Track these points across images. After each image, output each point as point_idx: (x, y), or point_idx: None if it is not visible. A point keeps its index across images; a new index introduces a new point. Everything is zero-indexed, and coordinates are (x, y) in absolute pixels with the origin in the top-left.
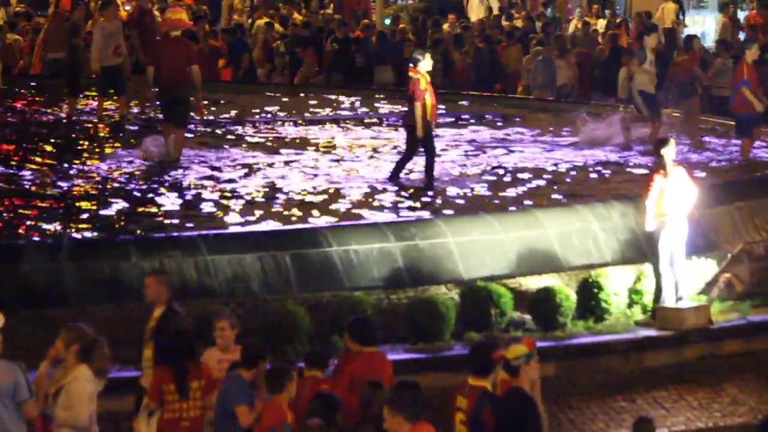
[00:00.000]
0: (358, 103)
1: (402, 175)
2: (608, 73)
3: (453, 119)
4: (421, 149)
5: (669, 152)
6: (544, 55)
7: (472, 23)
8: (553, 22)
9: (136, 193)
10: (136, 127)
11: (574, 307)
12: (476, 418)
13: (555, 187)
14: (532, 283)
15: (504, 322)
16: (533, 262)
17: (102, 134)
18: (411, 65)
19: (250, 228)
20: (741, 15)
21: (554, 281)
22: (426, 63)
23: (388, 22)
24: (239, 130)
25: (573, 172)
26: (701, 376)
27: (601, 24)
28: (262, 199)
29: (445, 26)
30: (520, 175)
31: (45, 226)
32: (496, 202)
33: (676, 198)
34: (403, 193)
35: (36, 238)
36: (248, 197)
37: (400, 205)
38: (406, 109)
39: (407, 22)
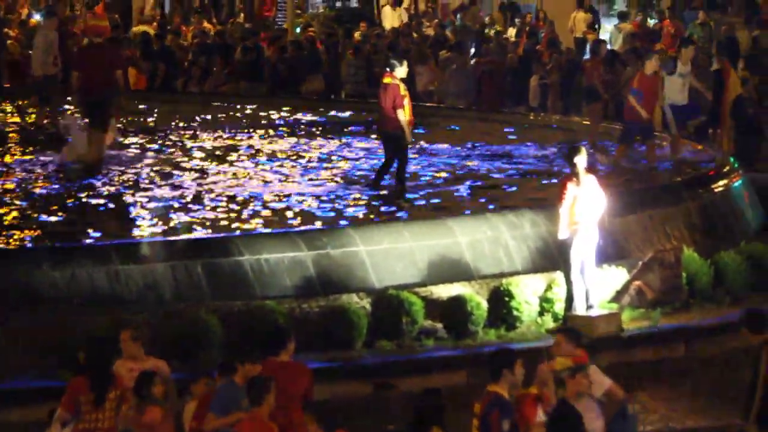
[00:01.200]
0: (283, 113)
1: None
2: (518, 81)
3: (362, 128)
4: (391, 155)
5: (581, 160)
6: (457, 63)
7: (386, 32)
8: (464, 31)
9: (50, 200)
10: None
11: (485, 316)
12: (485, 420)
13: (467, 195)
14: (444, 291)
15: (415, 331)
16: (444, 271)
17: (15, 141)
18: (387, 70)
19: (163, 237)
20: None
21: (465, 289)
22: (402, 69)
23: (298, 30)
24: (160, 137)
25: (486, 181)
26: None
27: (511, 32)
28: (178, 207)
29: (356, 34)
30: (438, 183)
31: None
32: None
33: (588, 206)
34: (316, 202)
35: None
36: (163, 205)
37: (316, 213)
38: (382, 116)
39: (319, 30)
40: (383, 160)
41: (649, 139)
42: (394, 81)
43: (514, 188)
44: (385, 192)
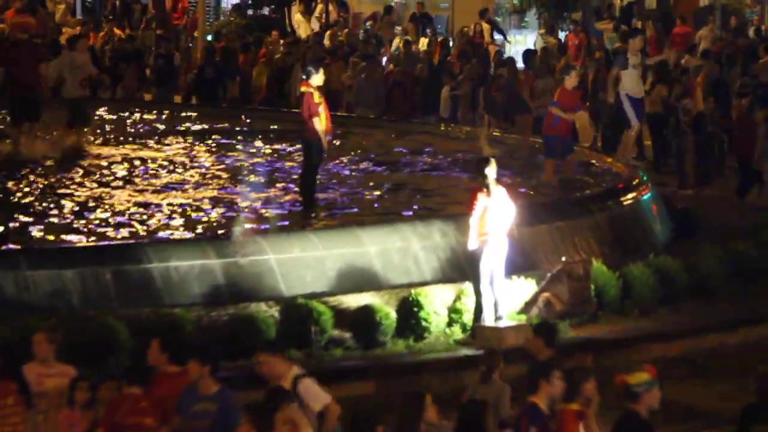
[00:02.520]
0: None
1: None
2: (428, 91)
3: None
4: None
5: (491, 172)
6: (367, 72)
7: (300, 40)
8: (375, 40)
9: None
10: None
11: (394, 326)
12: (516, 427)
13: (376, 206)
14: (353, 301)
15: (324, 340)
16: (354, 280)
17: None
18: (303, 78)
19: (72, 243)
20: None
21: (374, 299)
22: (319, 77)
23: (210, 38)
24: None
25: (398, 190)
26: (520, 394)
27: (423, 43)
28: (88, 214)
29: (268, 42)
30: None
31: None
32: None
33: (497, 217)
34: (227, 210)
35: None
36: (75, 211)
37: (225, 222)
38: (302, 124)
39: (230, 39)
40: (302, 170)
41: (568, 153)
42: (309, 89)
43: (427, 198)
44: (295, 200)
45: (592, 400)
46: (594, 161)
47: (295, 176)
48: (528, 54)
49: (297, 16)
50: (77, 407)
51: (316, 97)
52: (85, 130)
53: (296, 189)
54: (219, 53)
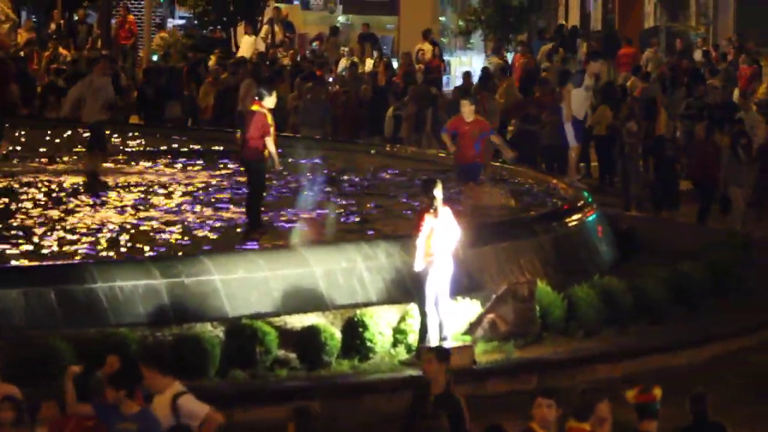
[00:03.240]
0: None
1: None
2: (373, 112)
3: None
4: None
5: (439, 192)
6: (312, 93)
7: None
8: (321, 61)
9: None
10: None
11: (339, 346)
12: None
13: (324, 225)
14: (298, 321)
15: (269, 360)
16: (298, 301)
17: None
18: (256, 99)
19: (16, 263)
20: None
21: (320, 320)
22: (271, 99)
23: (155, 58)
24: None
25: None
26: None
27: (368, 64)
28: (34, 234)
29: (211, 63)
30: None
31: None
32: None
33: (443, 238)
34: (172, 231)
35: None
36: (20, 231)
37: (170, 242)
38: (244, 144)
39: (176, 58)
40: (248, 190)
41: (472, 180)
42: (262, 110)
43: (374, 219)
44: (241, 220)
45: (605, 420)
46: (537, 183)
47: (241, 196)
48: (485, 73)
49: (243, 37)
50: (6, 427)
51: (269, 119)
52: (103, 154)
53: (242, 209)
54: (164, 73)
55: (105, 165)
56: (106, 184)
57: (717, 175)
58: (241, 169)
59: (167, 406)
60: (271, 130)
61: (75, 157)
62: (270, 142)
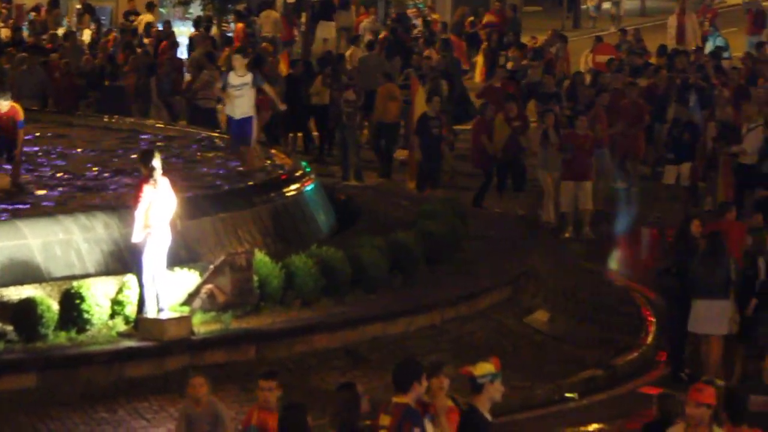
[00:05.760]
0: None
1: None
2: (93, 84)
3: None
4: None
5: (158, 164)
6: (28, 63)
7: None
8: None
9: None
10: None
11: (56, 318)
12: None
13: (40, 199)
14: (14, 293)
15: None
16: (15, 273)
17: None
18: None
19: None
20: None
21: (36, 292)
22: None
23: None
24: None
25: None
26: (183, 387)
27: (87, 35)
28: None
29: None
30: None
31: None
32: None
33: (162, 209)
34: None
35: None
36: None
37: None
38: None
39: None
40: None
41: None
42: None
43: (89, 190)
44: None
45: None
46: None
47: None
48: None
49: None
50: None
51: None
52: None
53: None
54: None
55: None
56: None
57: (489, 156)
58: None
59: None
60: None
61: None
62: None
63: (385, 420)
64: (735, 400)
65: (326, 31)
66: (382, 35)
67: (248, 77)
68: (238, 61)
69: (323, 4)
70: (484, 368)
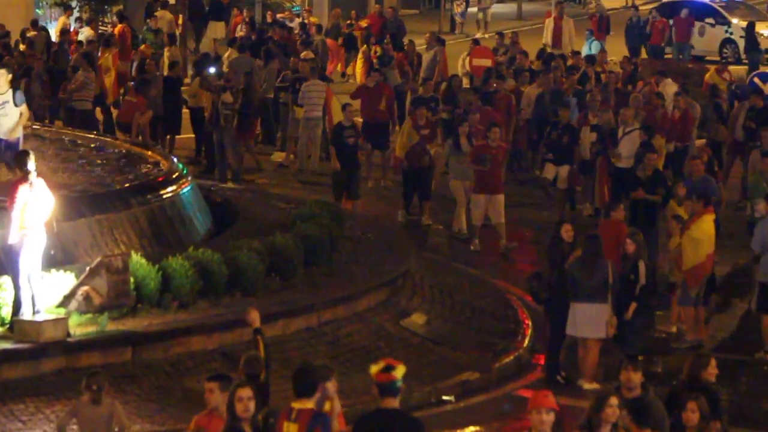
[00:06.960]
0: None
1: None
2: None
3: None
4: None
5: (33, 164)
6: None
7: None
8: None
9: None
10: None
11: None
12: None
13: None
14: None
15: None
16: None
17: None
18: None
19: None
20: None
21: None
22: None
23: None
24: None
25: None
26: (59, 389)
27: None
28: None
29: None
30: None
31: None
32: None
33: (38, 210)
34: None
35: None
36: None
37: None
38: None
39: None
40: None
41: None
42: None
43: None
44: None
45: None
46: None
47: None
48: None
49: None
50: None
51: None
52: None
53: None
54: None
55: None
56: None
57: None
58: None
59: None
60: None
61: None
62: None
63: (291, 428)
64: (639, 405)
65: (216, 31)
66: (240, 34)
67: (8, 95)
68: (3, 77)
69: (213, 5)
70: (401, 371)
